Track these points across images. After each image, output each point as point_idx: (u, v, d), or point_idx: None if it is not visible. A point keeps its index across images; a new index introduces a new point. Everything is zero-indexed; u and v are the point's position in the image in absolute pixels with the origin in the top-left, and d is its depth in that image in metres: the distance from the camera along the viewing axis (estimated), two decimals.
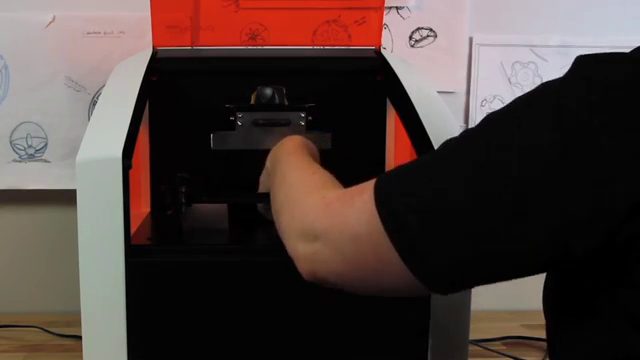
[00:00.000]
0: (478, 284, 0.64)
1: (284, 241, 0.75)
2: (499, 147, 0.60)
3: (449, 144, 0.65)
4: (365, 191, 0.65)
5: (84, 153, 0.89)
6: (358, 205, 0.65)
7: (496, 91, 1.46)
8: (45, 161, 1.40)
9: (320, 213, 0.69)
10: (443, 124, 1.01)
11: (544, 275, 1.00)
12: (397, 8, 1.42)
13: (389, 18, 1.41)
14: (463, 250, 0.60)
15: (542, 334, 1.29)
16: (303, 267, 0.71)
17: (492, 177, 0.59)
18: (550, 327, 0.71)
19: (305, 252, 0.69)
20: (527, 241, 0.58)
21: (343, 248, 0.66)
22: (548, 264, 0.61)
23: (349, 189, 0.70)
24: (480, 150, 0.61)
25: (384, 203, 0.63)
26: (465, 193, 0.59)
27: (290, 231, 0.73)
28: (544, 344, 1.28)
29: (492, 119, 0.63)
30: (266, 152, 1.08)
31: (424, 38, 1.44)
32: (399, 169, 0.67)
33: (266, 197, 0.89)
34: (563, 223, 0.57)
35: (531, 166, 0.57)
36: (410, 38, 1.44)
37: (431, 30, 1.44)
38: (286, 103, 1.10)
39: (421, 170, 0.65)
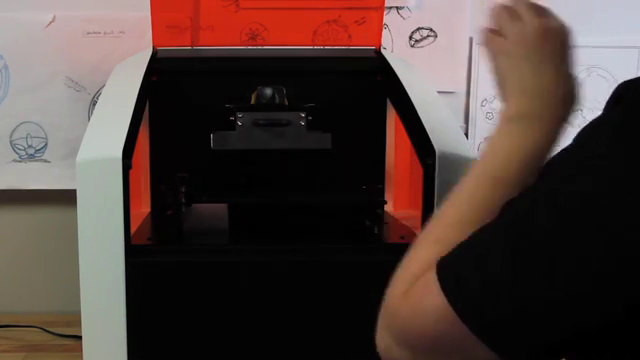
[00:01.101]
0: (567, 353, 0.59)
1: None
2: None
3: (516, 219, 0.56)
4: (431, 286, 0.57)
5: (84, 153, 0.89)
6: (426, 305, 0.57)
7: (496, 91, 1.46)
8: (45, 161, 1.40)
9: (401, 306, 0.61)
10: (443, 124, 1.01)
11: None
12: (397, 8, 1.42)
13: (389, 18, 1.41)
14: (548, 329, 0.54)
15: None
16: (384, 357, 0.64)
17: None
18: None
19: (384, 345, 0.63)
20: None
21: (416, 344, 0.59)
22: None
23: (415, 288, 0.60)
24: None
25: (452, 290, 0.56)
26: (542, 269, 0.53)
27: (380, 320, 0.65)
28: None
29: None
30: (266, 152, 1.08)
31: (424, 38, 1.44)
32: (461, 249, 0.58)
33: (263, 198, 0.89)
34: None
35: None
36: (410, 38, 1.44)
37: (431, 30, 1.44)
38: (286, 103, 1.10)
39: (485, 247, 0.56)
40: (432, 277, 0.57)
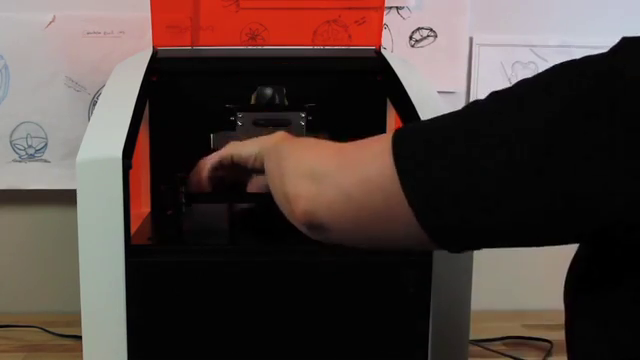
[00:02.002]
0: (492, 246, 0.63)
1: (281, 184, 0.73)
2: (525, 115, 0.59)
3: (474, 106, 0.64)
4: (382, 139, 0.64)
5: (84, 153, 0.89)
6: (373, 150, 0.64)
7: None
8: (45, 161, 1.40)
9: (332, 156, 0.68)
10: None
11: (545, 276, 1.00)
12: (397, 8, 1.42)
13: (389, 18, 1.41)
14: (481, 213, 0.58)
15: (542, 334, 1.29)
16: (301, 206, 0.68)
17: (515, 142, 0.57)
18: (572, 317, 0.69)
19: (307, 191, 0.67)
20: (550, 202, 0.57)
21: (350, 190, 0.64)
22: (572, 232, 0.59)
23: (363, 140, 0.69)
24: (507, 115, 0.60)
25: (401, 150, 0.62)
26: (487, 154, 0.58)
27: (294, 171, 0.71)
28: (544, 344, 1.28)
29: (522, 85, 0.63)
30: None
31: (424, 38, 1.44)
32: (419, 122, 0.66)
33: (266, 198, 0.89)
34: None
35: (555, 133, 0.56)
36: (410, 38, 1.44)
37: (431, 30, 1.44)
38: (286, 103, 1.10)
39: (443, 125, 0.63)
40: (384, 146, 0.63)
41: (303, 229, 0.70)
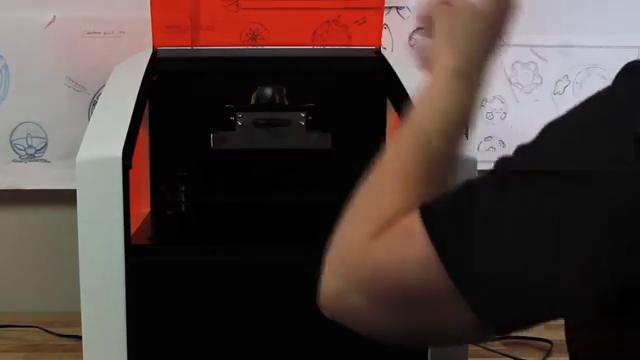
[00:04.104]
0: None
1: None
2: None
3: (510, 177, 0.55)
4: (412, 232, 0.56)
5: (84, 153, 0.89)
6: (408, 259, 0.55)
7: (496, 91, 1.46)
8: (45, 161, 1.40)
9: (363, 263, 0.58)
10: None
11: None
12: (397, 8, 1.42)
13: (389, 18, 1.41)
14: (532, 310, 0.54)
15: (542, 334, 1.29)
16: (322, 300, 0.62)
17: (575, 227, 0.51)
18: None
19: (332, 288, 0.60)
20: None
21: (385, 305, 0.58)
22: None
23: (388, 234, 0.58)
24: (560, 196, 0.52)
25: (446, 252, 0.54)
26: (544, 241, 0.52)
27: (332, 246, 0.63)
28: (544, 344, 1.28)
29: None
30: (266, 152, 1.08)
31: None
32: (451, 203, 0.56)
33: (263, 198, 0.89)
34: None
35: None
36: (410, 38, 1.44)
37: None
38: (286, 103, 1.10)
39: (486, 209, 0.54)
40: (415, 224, 0.55)
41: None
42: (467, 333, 0.57)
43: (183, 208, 1.09)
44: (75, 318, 0.92)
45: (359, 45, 1.22)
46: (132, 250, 0.89)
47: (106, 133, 0.93)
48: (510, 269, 0.52)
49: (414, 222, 0.56)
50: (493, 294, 0.53)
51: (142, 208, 1.16)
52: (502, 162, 0.57)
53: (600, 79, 1.43)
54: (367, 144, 1.19)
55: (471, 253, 0.53)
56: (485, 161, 0.75)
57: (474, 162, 0.93)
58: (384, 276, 0.56)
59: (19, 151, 1.40)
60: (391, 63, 1.13)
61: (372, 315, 0.58)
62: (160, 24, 1.18)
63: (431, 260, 0.54)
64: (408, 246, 0.55)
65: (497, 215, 0.53)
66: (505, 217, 0.53)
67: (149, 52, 1.16)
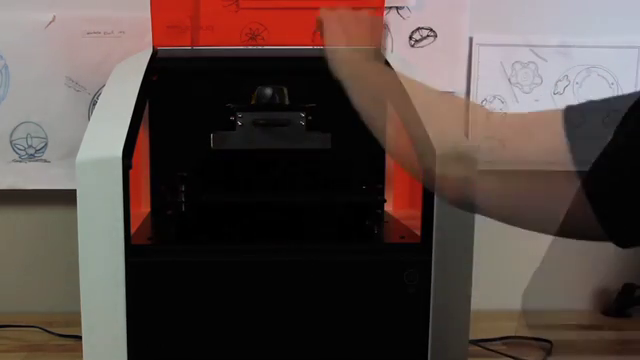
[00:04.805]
0: None
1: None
2: None
3: None
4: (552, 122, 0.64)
5: (84, 153, 0.89)
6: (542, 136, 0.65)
7: (496, 91, 1.46)
8: (45, 161, 1.40)
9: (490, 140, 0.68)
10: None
11: (545, 276, 0.99)
12: (397, 8, 1.42)
13: (389, 18, 1.41)
14: None
15: (542, 334, 1.29)
16: (449, 188, 0.70)
17: None
18: None
19: (457, 174, 0.68)
20: None
21: (513, 181, 0.65)
22: None
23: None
24: None
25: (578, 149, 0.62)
26: None
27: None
28: (544, 344, 1.28)
29: None
30: (266, 152, 1.08)
31: (424, 38, 1.44)
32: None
33: (263, 198, 0.89)
34: None
35: None
36: (410, 38, 1.44)
37: (431, 30, 1.44)
38: (286, 103, 1.10)
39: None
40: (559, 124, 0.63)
41: (450, 204, 0.71)
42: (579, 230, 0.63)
43: (183, 208, 1.09)
44: (75, 318, 0.92)
45: (359, 45, 1.22)
46: (132, 250, 0.89)
47: (106, 133, 0.93)
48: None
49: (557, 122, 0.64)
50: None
51: (142, 208, 1.16)
52: None
53: (600, 79, 1.43)
54: (367, 144, 1.19)
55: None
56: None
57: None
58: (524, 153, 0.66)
59: (19, 151, 1.40)
60: (391, 63, 1.13)
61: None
62: (160, 24, 1.18)
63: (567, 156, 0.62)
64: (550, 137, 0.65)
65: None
66: None
67: (149, 52, 1.16)
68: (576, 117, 0.63)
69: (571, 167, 0.61)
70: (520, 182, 0.64)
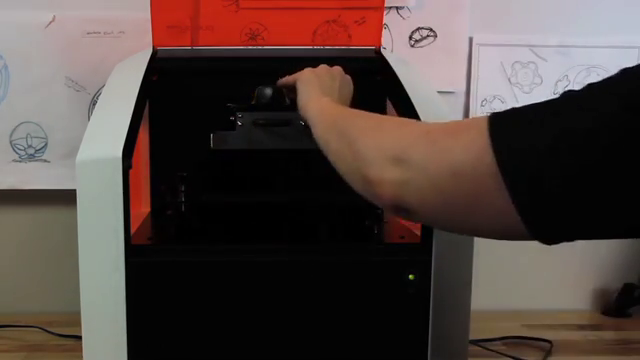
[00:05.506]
0: (594, 238, 0.63)
1: (359, 166, 0.72)
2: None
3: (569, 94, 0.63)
4: (472, 127, 0.63)
5: (84, 153, 0.89)
6: (465, 139, 0.62)
7: (496, 91, 1.46)
8: (45, 161, 1.40)
9: (418, 140, 0.66)
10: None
11: (545, 276, 0.99)
12: (397, 8, 1.42)
13: (389, 18, 1.41)
14: (595, 206, 0.58)
15: (542, 334, 1.29)
16: (386, 191, 0.67)
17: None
18: None
19: (393, 177, 0.66)
20: None
21: (440, 181, 0.63)
22: None
23: (450, 123, 0.67)
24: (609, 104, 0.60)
25: (501, 140, 0.60)
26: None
27: (375, 154, 0.69)
28: (544, 344, 1.28)
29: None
30: (266, 152, 1.08)
31: (424, 38, 1.44)
32: (513, 110, 0.63)
33: (263, 198, 0.89)
34: None
35: None
36: (410, 38, 1.44)
37: (431, 30, 1.44)
38: (286, 103, 1.10)
39: (542, 115, 0.61)
40: (481, 124, 0.62)
41: (388, 211, 0.70)
42: (497, 227, 0.63)
43: (183, 208, 1.09)
44: (75, 318, 0.92)
45: (359, 45, 1.22)
46: (132, 250, 0.89)
47: (106, 133, 0.93)
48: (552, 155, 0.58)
49: (475, 122, 0.63)
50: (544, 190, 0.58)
51: (142, 208, 1.15)
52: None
53: (600, 79, 1.43)
54: None
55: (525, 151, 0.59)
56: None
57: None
58: (445, 159, 0.63)
59: (19, 151, 1.40)
60: (391, 63, 1.13)
61: (427, 196, 0.65)
62: (160, 24, 1.18)
63: (486, 152, 0.61)
64: (469, 139, 0.62)
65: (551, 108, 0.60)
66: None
67: (149, 52, 1.16)
68: (502, 120, 0.62)
69: (495, 168, 0.60)
70: (447, 186, 0.63)
